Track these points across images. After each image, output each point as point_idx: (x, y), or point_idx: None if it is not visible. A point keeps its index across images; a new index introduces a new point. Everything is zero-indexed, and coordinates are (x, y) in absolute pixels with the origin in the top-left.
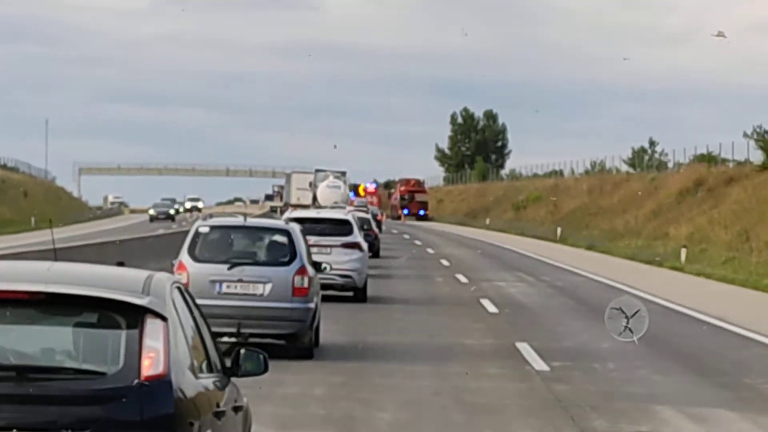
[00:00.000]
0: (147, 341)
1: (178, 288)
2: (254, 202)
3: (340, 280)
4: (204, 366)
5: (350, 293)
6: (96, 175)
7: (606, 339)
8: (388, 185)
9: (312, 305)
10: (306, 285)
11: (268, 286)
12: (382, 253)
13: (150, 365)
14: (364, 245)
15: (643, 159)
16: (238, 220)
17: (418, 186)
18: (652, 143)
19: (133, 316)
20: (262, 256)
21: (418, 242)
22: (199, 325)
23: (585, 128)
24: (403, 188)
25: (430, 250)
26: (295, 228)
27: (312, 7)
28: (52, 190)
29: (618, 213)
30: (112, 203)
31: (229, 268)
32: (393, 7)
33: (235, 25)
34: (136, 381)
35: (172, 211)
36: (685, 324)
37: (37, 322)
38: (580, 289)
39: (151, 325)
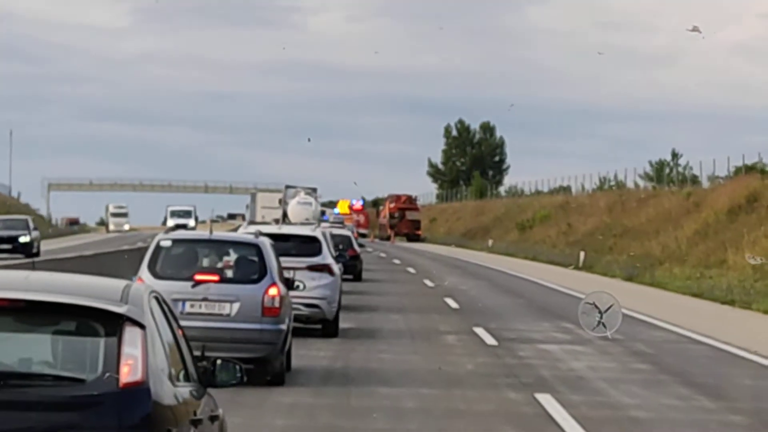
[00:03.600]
0: (125, 349)
1: (156, 297)
2: (215, 220)
3: (305, 310)
4: (181, 375)
5: (318, 326)
6: (66, 191)
7: None
8: (377, 203)
9: (283, 326)
10: (277, 305)
11: (236, 306)
12: (364, 276)
13: (128, 372)
14: (336, 268)
15: (664, 172)
16: (203, 234)
17: (409, 203)
18: (674, 155)
19: (112, 324)
20: (229, 272)
21: (411, 270)
22: (177, 334)
23: (577, 148)
24: (392, 205)
25: (428, 282)
26: (266, 242)
27: (295, 26)
28: (10, 207)
29: (650, 234)
30: (114, 215)
31: (193, 286)
32: (376, 27)
33: (218, 44)
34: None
35: None
36: None
37: (17, 330)
38: (688, 363)
39: (130, 332)
